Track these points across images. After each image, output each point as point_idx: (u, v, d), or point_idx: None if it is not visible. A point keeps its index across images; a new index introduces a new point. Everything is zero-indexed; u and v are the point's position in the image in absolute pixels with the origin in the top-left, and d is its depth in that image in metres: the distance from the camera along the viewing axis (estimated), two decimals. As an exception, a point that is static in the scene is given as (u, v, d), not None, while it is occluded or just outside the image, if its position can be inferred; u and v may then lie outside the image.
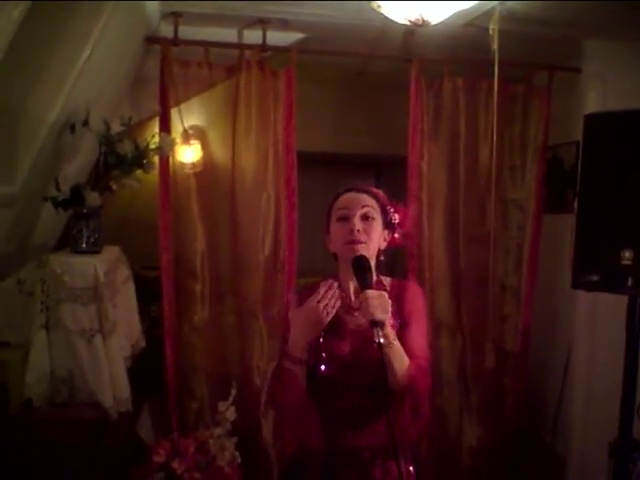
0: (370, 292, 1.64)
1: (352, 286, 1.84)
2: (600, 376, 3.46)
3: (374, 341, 1.57)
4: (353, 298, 1.84)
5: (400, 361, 1.66)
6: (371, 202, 1.82)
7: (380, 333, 1.58)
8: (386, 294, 1.66)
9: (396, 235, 1.92)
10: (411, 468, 1.87)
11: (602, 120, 2.31)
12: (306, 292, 1.80)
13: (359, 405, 1.78)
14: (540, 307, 3.89)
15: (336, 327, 1.80)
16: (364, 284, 1.67)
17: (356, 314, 1.80)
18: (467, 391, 3.80)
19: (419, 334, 1.81)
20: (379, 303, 1.61)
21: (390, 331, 1.65)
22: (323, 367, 1.78)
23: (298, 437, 1.91)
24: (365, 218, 1.79)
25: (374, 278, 1.78)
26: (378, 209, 1.83)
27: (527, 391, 3.88)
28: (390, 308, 1.63)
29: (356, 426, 1.79)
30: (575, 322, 3.66)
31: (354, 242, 1.76)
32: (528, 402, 3.90)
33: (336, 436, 1.78)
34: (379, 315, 1.59)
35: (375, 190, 1.89)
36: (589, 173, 2.32)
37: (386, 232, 1.87)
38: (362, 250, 1.75)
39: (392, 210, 1.89)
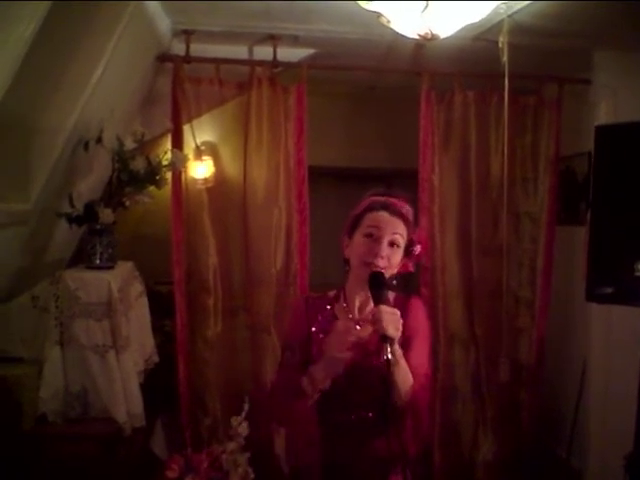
0: (384, 307, 1.63)
1: (357, 300, 1.85)
2: (616, 389, 3.42)
3: (383, 357, 1.57)
4: (357, 312, 1.85)
5: (404, 379, 1.66)
6: (401, 229, 1.80)
7: (389, 349, 1.58)
8: (398, 312, 1.66)
9: (410, 262, 1.90)
10: None
11: (613, 131, 2.32)
12: (312, 301, 1.91)
13: (358, 419, 1.79)
14: (554, 319, 3.86)
15: None
16: (379, 299, 1.67)
17: (358, 327, 1.77)
18: (481, 404, 3.78)
19: (421, 351, 1.81)
20: (392, 319, 1.61)
21: (397, 349, 1.64)
22: None
23: (298, 450, 1.93)
24: (391, 244, 1.78)
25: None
26: (405, 237, 1.82)
27: (542, 404, 3.84)
28: (401, 327, 1.63)
29: (355, 440, 1.79)
30: (590, 334, 3.62)
31: (375, 266, 1.75)
32: (543, 415, 3.86)
33: (335, 449, 1.79)
34: (391, 331, 1.58)
35: (406, 212, 1.85)
36: (601, 184, 2.32)
37: (403, 259, 1.85)
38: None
39: (416, 240, 1.87)
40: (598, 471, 3.54)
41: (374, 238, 1.77)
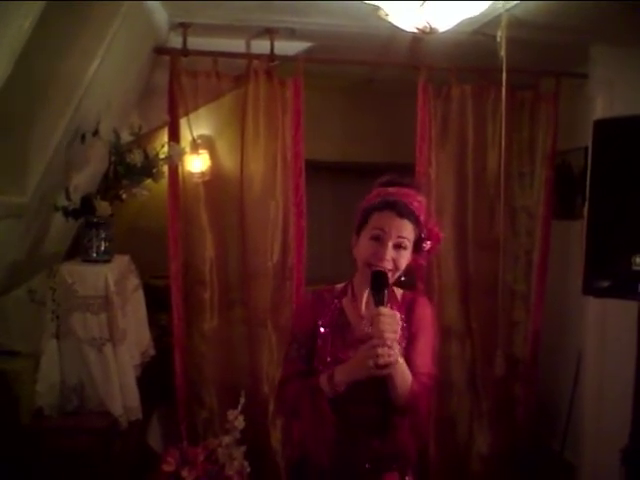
0: (383, 309, 1.63)
1: (365, 295, 1.82)
2: (611, 382, 3.44)
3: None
4: (364, 307, 1.82)
5: (403, 379, 1.67)
6: (408, 230, 1.77)
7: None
8: (398, 314, 1.66)
9: (421, 259, 1.88)
10: (407, 478, 1.86)
11: (611, 125, 2.31)
12: (320, 294, 1.90)
13: (360, 414, 1.78)
14: (550, 313, 3.88)
15: (344, 333, 1.82)
16: (379, 300, 1.66)
17: (364, 322, 1.75)
18: (477, 398, 3.79)
19: (426, 350, 1.81)
20: (390, 322, 1.60)
21: (397, 348, 1.63)
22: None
23: (305, 445, 1.90)
24: (397, 247, 1.75)
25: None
26: (413, 237, 1.79)
27: (537, 398, 3.86)
28: (399, 329, 1.63)
29: (358, 435, 1.79)
30: (585, 328, 3.64)
31: (379, 267, 1.73)
32: (538, 409, 3.88)
33: (338, 443, 1.77)
34: (388, 334, 1.58)
35: (417, 207, 1.81)
36: (598, 179, 2.32)
37: (413, 255, 1.83)
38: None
39: (426, 237, 1.84)
40: (592, 465, 3.56)
41: (379, 241, 1.75)
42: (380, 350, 1.57)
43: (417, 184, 1.90)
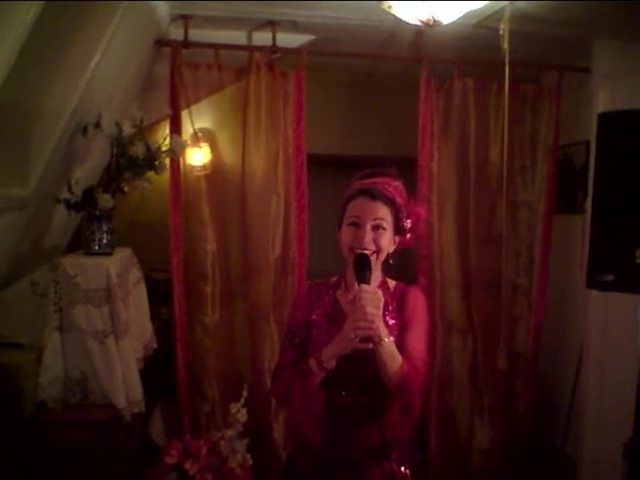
0: (364, 286, 1.69)
1: (355, 286, 1.85)
2: (612, 377, 3.45)
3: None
4: None
5: (392, 358, 1.70)
6: (384, 212, 1.83)
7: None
8: (380, 292, 1.71)
9: (408, 235, 1.93)
10: (403, 469, 1.88)
11: (615, 119, 2.31)
12: (315, 287, 1.97)
13: (353, 402, 1.82)
14: (551, 308, 3.88)
15: (338, 323, 1.85)
16: (361, 280, 1.72)
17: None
18: (478, 392, 3.79)
19: (418, 337, 1.85)
20: (372, 298, 1.66)
21: (382, 328, 1.68)
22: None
23: (296, 430, 1.95)
24: (376, 228, 1.81)
25: (379, 278, 1.88)
26: (391, 218, 1.84)
27: (538, 393, 3.87)
28: (382, 305, 1.68)
29: (351, 424, 1.82)
30: (587, 323, 3.64)
31: (360, 249, 1.79)
32: (539, 404, 3.89)
33: (331, 433, 1.81)
34: (370, 309, 1.64)
35: (391, 193, 1.87)
36: (602, 172, 2.31)
37: (397, 237, 1.89)
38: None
39: (405, 216, 1.89)
40: (593, 459, 3.56)
41: (357, 226, 1.81)
42: (362, 323, 1.63)
43: (391, 171, 1.94)
